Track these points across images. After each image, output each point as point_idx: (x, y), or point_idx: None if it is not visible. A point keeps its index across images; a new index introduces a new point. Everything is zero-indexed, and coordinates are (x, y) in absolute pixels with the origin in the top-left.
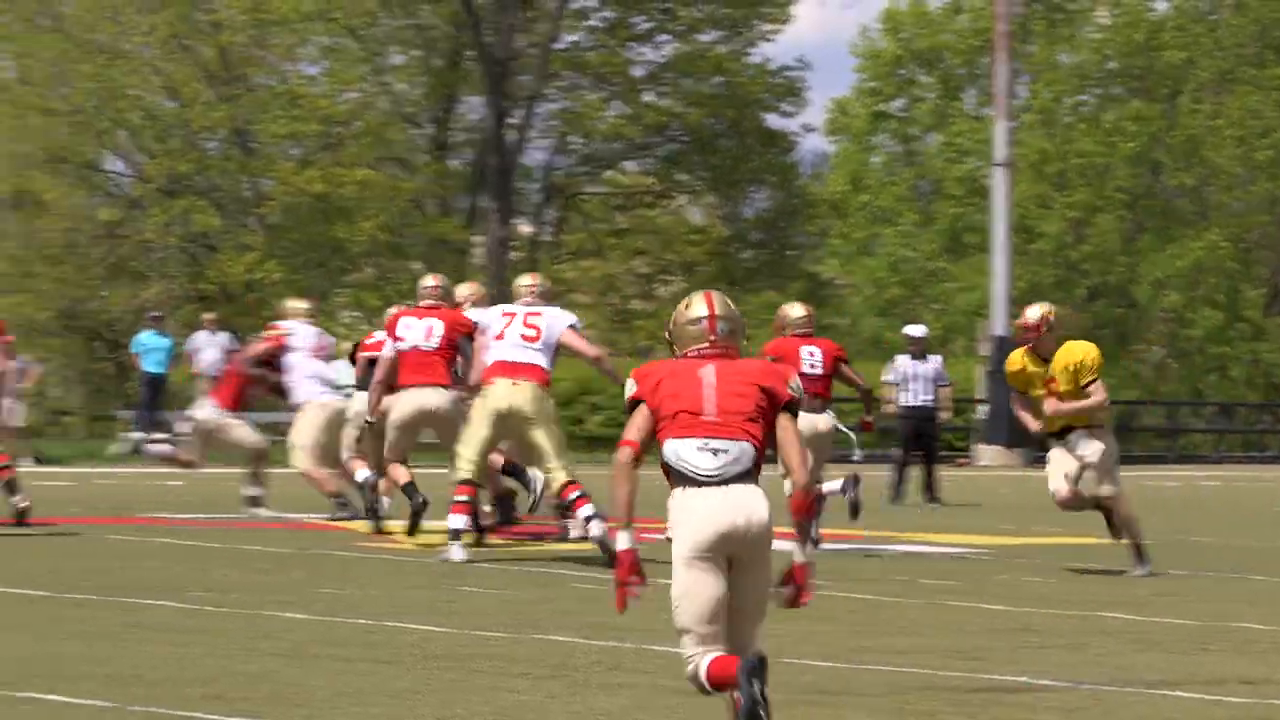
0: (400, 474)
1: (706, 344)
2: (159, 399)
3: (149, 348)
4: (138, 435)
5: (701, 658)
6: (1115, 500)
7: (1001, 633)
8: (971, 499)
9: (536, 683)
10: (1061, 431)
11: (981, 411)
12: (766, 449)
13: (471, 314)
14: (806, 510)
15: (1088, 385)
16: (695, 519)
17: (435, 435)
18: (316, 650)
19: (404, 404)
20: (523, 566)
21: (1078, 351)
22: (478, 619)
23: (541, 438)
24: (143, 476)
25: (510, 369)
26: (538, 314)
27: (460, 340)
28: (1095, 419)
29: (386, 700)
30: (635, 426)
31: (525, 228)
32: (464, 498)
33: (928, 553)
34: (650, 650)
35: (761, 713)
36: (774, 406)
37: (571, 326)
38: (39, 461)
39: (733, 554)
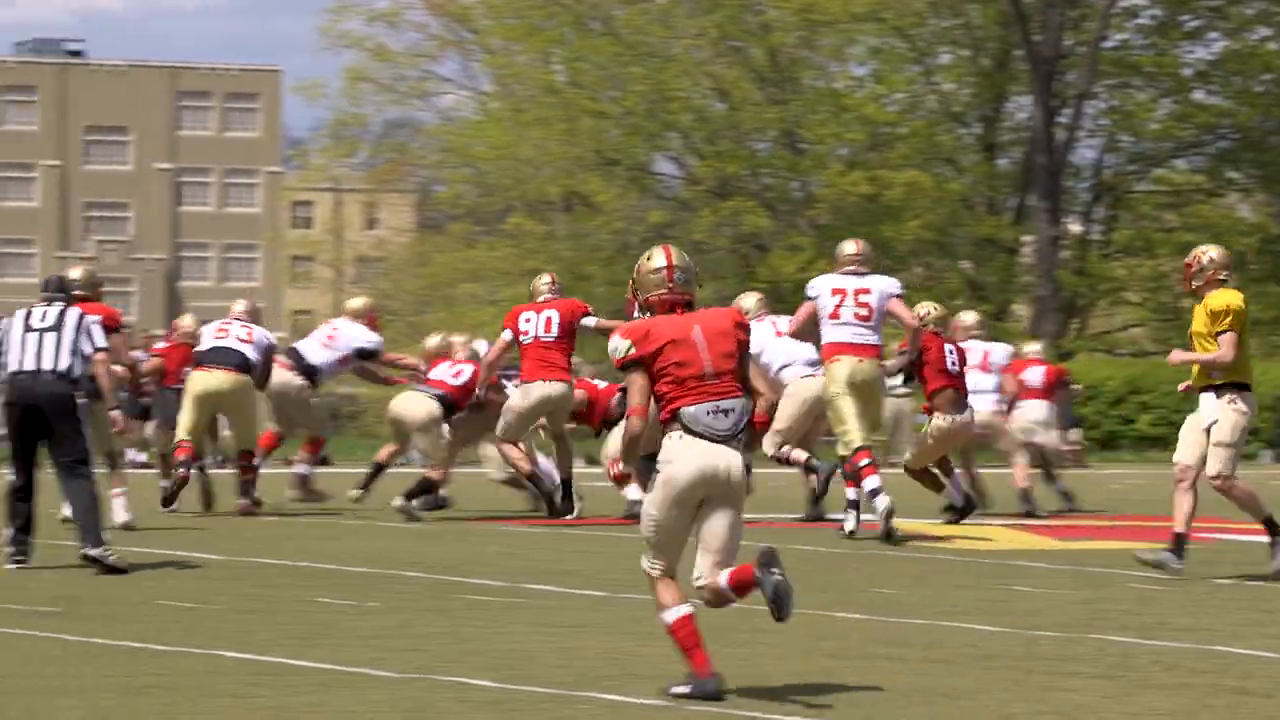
0: (516, 457)
1: (665, 290)
2: None
3: None
4: None
5: (660, 578)
6: (1221, 486)
7: None
8: None
9: (1090, 682)
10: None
11: None
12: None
13: (757, 327)
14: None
15: (1220, 335)
16: (686, 465)
17: (545, 422)
18: (873, 650)
19: (529, 395)
20: (1077, 566)
21: (1221, 298)
22: (1032, 619)
23: (872, 410)
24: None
25: (854, 349)
26: (867, 290)
27: (579, 323)
28: (1222, 377)
29: (943, 700)
30: (639, 390)
31: (1074, 226)
32: (866, 460)
33: None
34: (1211, 650)
35: (783, 590)
36: (745, 348)
37: (897, 295)
38: (589, 462)
39: (707, 495)
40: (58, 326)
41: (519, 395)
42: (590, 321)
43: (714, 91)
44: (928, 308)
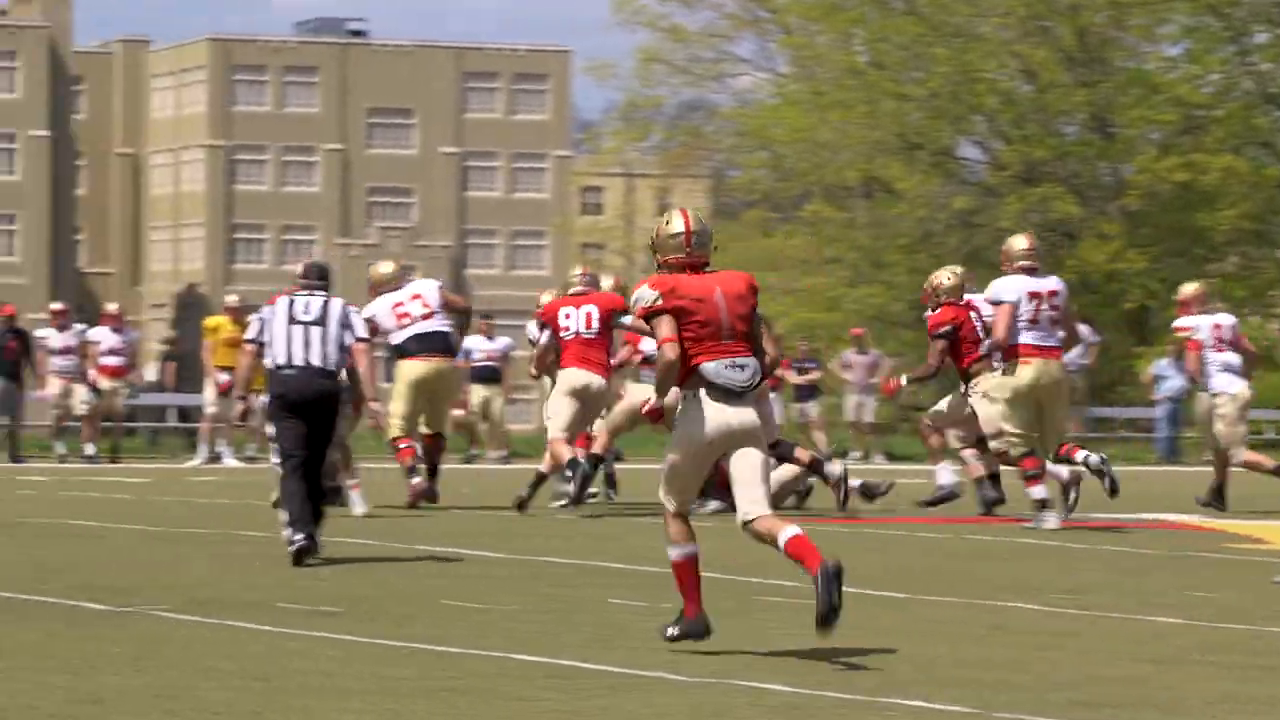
0: (563, 452)
1: (684, 254)
2: None
3: None
4: None
5: (674, 514)
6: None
7: None
8: None
9: None
10: None
11: None
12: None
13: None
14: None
15: None
16: (703, 427)
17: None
18: (1194, 656)
19: (568, 383)
20: None
21: None
22: None
23: (1059, 411)
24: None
25: (1043, 351)
26: (1055, 291)
27: (615, 319)
28: None
29: (1264, 708)
30: (669, 326)
31: None
32: (1035, 470)
33: None
34: None
35: (834, 616)
36: (755, 310)
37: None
38: (890, 459)
39: (726, 451)
40: (322, 320)
41: (560, 385)
42: (627, 319)
43: (1021, 73)
44: (943, 276)
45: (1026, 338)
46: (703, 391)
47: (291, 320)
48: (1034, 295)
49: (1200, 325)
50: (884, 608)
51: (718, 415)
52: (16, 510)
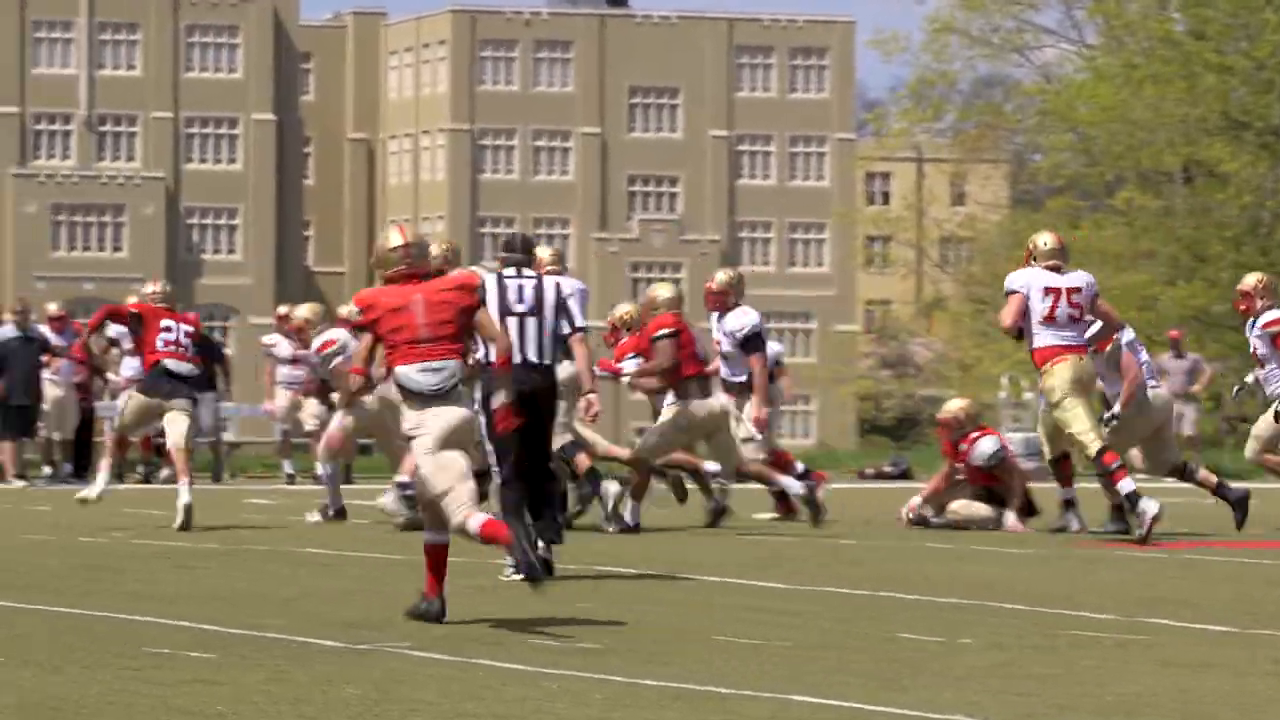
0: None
1: (404, 266)
2: None
3: None
4: None
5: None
6: None
7: None
8: None
9: None
10: None
11: None
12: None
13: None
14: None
15: None
16: (435, 421)
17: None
18: None
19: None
20: None
21: None
22: None
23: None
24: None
25: (1072, 349)
26: (1078, 289)
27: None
28: None
29: None
30: (368, 340)
31: None
32: (1118, 463)
33: None
34: None
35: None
36: (469, 314)
37: (1096, 293)
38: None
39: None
40: (537, 309)
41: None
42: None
43: None
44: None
45: (1048, 338)
46: (408, 395)
47: (505, 310)
48: (1050, 290)
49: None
50: (1209, 642)
51: (442, 417)
52: (238, 536)
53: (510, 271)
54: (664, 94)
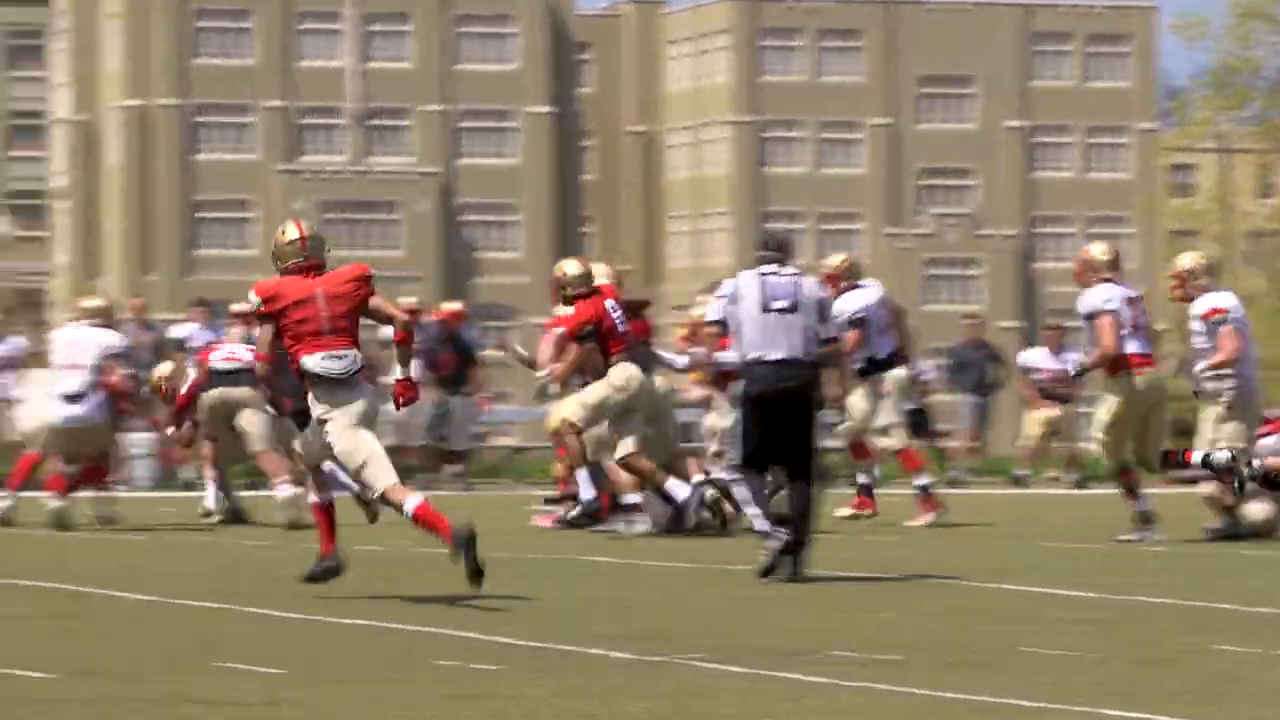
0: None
1: (302, 258)
2: None
3: None
4: None
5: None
6: None
7: None
8: None
9: None
10: None
11: None
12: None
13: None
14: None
15: None
16: (344, 406)
17: None
18: None
19: None
20: None
21: None
22: None
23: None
24: None
25: (1148, 360)
26: (1141, 297)
27: None
28: None
29: None
30: (269, 330)
31: None
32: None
33: None
34: None
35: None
36: (365, 306)
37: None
38: None
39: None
40: (795, 307)
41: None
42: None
43: None
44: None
45: (1132, 347)
46: (313, 382)
47: (765, 309)
48: (1131, 301)
49: None
50: None
51: (323, 400)
52: (530, 543)
53: (769, 269)
54: (956, 83)
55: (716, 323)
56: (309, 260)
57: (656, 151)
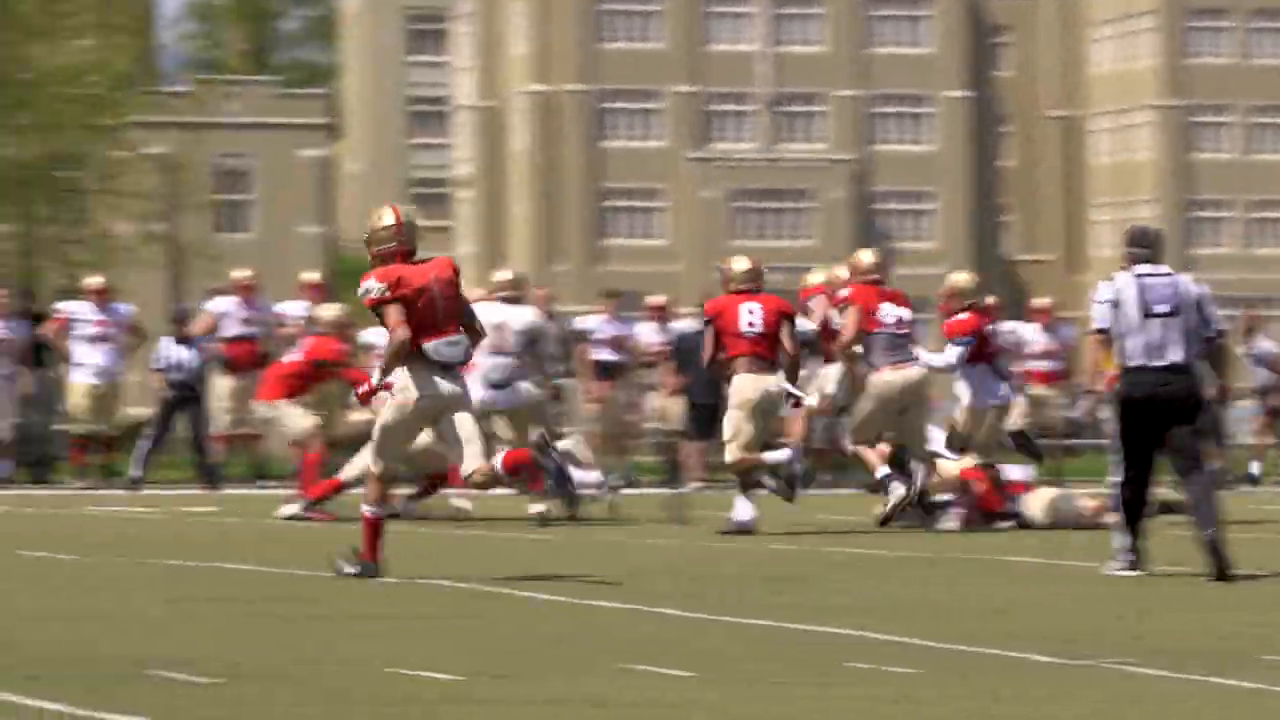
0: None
1: (395, 244)
2: None
3: None
4: None
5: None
6: None
7: None
8: None
9: None
10: None
11: None
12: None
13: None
14: None
15: None
16: (421, 393)
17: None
18: None
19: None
20: None
21: None
22: None
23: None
24: None
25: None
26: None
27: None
28: None
29: None
30: (398, 312)
31: None
32: None
33: None
34: None
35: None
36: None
37: None
38: None
39: (436, 416)
40: (1177, 310)
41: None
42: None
43: None
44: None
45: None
46: (420, 365)
47: (1146, 314)
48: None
49: None
50: None
51: (432, 385)
52: (933, 543)
53: (1144, 268)
54: None
55: (1101, 330)
56: (402, 246)
57: (1078, 136)
